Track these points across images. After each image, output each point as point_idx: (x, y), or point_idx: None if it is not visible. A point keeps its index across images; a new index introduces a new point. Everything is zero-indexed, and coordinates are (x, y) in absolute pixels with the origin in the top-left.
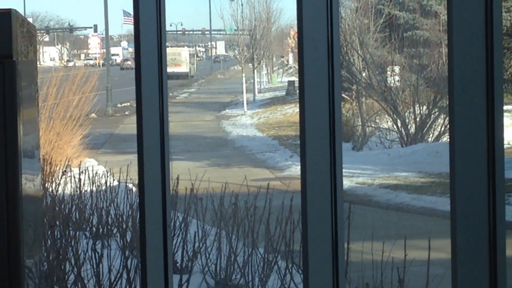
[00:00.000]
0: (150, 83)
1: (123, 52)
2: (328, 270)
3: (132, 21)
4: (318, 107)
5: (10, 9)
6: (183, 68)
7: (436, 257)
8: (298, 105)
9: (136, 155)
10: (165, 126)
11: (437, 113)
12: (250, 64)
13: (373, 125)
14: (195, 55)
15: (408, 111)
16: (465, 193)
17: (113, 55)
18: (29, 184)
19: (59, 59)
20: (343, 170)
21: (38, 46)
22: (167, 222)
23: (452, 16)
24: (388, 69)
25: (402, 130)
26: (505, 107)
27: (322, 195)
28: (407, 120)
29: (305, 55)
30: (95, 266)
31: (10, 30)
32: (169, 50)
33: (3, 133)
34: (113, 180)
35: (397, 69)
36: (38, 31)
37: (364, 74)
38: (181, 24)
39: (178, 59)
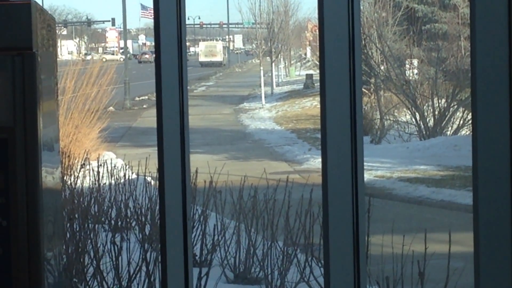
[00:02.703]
0: (170, 77)
1: (132, 45)
2: (349, 263)
3: (150, 14)
4: (339, 100)
5: (30, 0)
6: (218, 58)
7: (456, 250)
8: (316, 98)
9: (155, 148)
10: (185, 119)
11: (456, 107)
12: (268, 58)
13: (391, 119)
14: (227, 48)
15: (426, 104)
16: (488, 187)
17: (122, 48)
18: (49, 177)
19: (77, 53)
20: None
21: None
22: (187, 215)
23: (475, 8)
24: (407, 62)
25: (421, 123)
26: None
27: (343, 188)
28: (425, 114)
29: (326, 48)
30: (114, 259)
31: (30, 21)
32: (207, 43)
33: (23, 126)
34: (132, 173)
35: (415, 62)
36: (56, 24)
37: (382, 67)
38: (199, 18)
39: (214, 50)
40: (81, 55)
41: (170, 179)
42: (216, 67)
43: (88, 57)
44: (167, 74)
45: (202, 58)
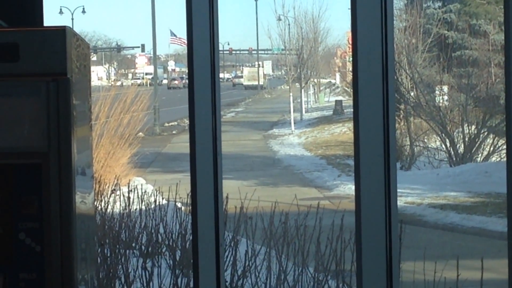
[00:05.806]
0: (203, 102)
1: (157, 71)
2: None
3: (179, 41)
4: (372, 127)
5: (65, 26)
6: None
7: (487, 277)
8: (345, 124)
9: (185, 174)
10: (218, 145)
11: (486, 133)
12: (297, 84)
13: (421, 145)
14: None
15: (457, 131)
16: None
17: (146, 74)
18: (82, 202)
19: (107, 79)
20: None
21: None
22: (220, 241)
23: (509, 33)
24: (437, 88)
25: (451, 149)
26: None
27: (377, 214)
28: (456, 140)
29: (359, 75)
30: (145, 284)
31: (64, 47)
32: (249, 69)
33: (57, 151)
34: (162, 198)
35: (445, 88)
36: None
37: (412, 94)
38: (228, 44)
39: (256, 75)
40: (111, 81)
41: (203, 205)
42: (257, 89)
43: (118, 83)
44: (200, 100)
45: (246, 82)
